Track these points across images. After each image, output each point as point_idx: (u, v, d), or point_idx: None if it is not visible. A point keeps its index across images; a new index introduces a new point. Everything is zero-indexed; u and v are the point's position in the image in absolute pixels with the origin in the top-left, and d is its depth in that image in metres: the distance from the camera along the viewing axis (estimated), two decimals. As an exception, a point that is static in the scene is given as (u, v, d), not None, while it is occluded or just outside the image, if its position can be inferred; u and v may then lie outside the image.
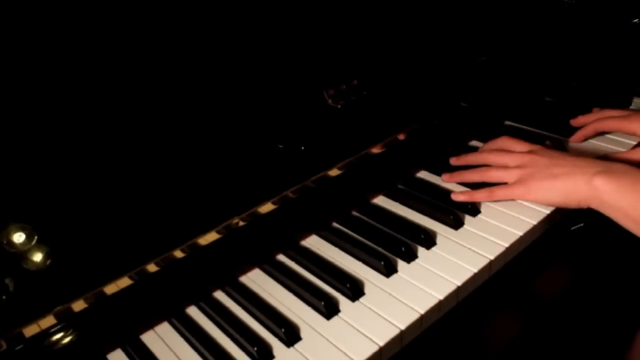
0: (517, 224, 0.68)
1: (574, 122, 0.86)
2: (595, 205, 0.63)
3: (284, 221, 0.68)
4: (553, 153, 0.70)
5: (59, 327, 0.55)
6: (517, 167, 0.70)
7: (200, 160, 0.62)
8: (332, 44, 0.75)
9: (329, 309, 0.59)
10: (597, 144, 0.84)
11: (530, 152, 0.71)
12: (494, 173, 0.72)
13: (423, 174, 0.82)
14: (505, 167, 0.72)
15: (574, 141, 0.84)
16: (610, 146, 0.82)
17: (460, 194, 0.72)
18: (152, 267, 0.58)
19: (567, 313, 0.62)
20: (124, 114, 0.60)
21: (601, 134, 0.84)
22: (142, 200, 0.58)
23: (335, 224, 0.74)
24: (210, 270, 0.65)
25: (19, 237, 0.52)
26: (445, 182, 0.77)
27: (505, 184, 0.71)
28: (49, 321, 0.53)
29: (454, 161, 0.80)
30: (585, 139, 0.84)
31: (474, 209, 0.71)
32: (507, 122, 0.94)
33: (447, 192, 0.76)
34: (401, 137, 0.77)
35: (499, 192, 0.70)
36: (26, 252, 0.52)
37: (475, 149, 0.87)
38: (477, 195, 0.71)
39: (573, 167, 0.65)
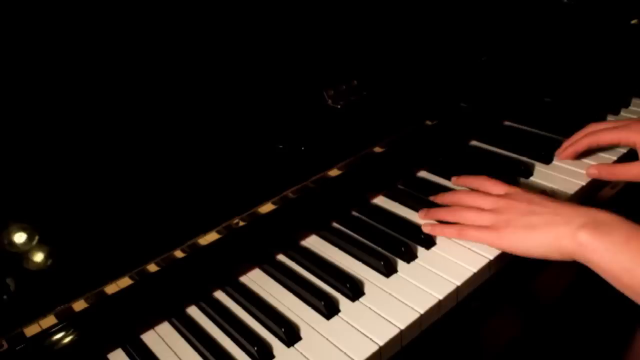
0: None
1: (566, 143, 0.80)
2: (580, 260, 0.57)
3: (284, 221, 0.68)
4: (532, 198, 0.63)
5: (59, 326, 0.55)
6: (492, 210, 0.64)
7: (201, 160, 0.62)
8: (332, 45, 0.75)
9: (329, 309, 0.59)
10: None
11: (507, 195, 0.66)
12: (468, 215, 0.66)
13: (423, 174, 0.82)
14: (480, 209, 0.66)
15: (563, 157, 0.79)
16: (599, 153, 0.80)
17: (429, 226, 0.68)
18: (152, 267, 0.58)
19: (566, 313, 0.62)
20: (124, 115, 0.60)
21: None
22: (142, 200, 0.58)
23: (335, 224, 0.74)
24: (210, 270, 0.65)
25: (20, 237, 0.52)
26: (421, 219, 0.71)
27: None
28: (49, 321, 0.53)
29: (432, 199, 0.74)
30: (577, 156, 0.78)
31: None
32: (507, 122, 0.95)
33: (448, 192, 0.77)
34: (401, 137, 0.77)
35: (470, 232, 0.65)
36: (27, 252, 0.52)
37: (475, 149, 0.88)
38: (446, 231, 0.66)
39: (553, 217, 0.59)
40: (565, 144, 0.80)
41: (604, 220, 0.56)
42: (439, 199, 0.73)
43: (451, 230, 0.66)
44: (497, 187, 0.68)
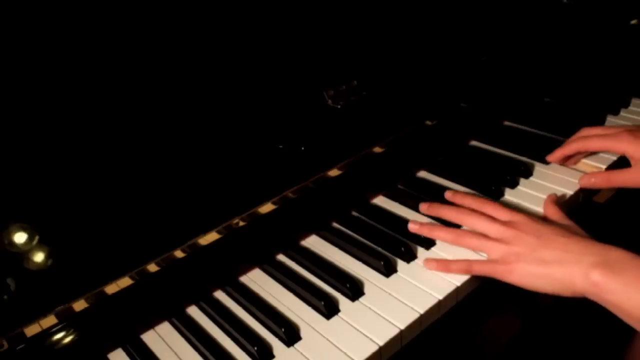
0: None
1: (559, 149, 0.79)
2: (592, 298, 0.56)
3: (284, 221, 0.68)
4: (540, 229, 0.61)
5: (60, 326, 0.55)
6: (498, 240, 0.62)
7: (201, 160, 0.62)
8: (332, 45, 0.75)
9: (329, 309, 0.59)
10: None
11: (511, 222, 0.63)
12: (472, 241, 0.63)
13: (423, 174, 0.82)
14: (484, 235, 0.64)
15: (552, 160, 0.79)
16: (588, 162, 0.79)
17: (433, 262, 0.63)
18: (152, 267, 0.58)
19: (566, 313, 0.62)
20: (125, 115, 0.60)
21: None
22: (142, 200, 0.58)
23: (335, 224, 0.74)
24: (210, 270, 0.65)
25: (20, 237, 0.52)
26: (412, 230, 0.68)
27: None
28: (50, 321, 0.53)
29: (424, 209, 0.71)
30: (565, 159, 0.79)
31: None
32: (507, 122, 0.95)
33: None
34: (401, 137, 0.77)
35: (478, 266, 0.62)
36: (27, 252, 0.52)
37: (475, 149, 0.88)
38: (453, 267, 0.62)
39: (565, 254, 0.57)
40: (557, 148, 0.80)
41: (615, 258, 0.55)
42: (435, 210, 0.70)
43: (459, 266, 0.62)
44: (499, 212, 0.65)
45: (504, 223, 0.63)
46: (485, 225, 0.64)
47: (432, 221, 0.70)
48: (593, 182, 0.74)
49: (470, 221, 0.66)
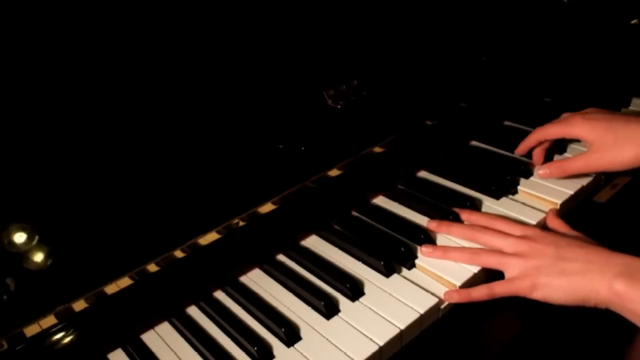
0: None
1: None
2: (615, 309, 0.55)
3: (284, 221, 0.68)
4: (556, 241, 0.60)
5: (59, 326, 0.55)
6: (515, 255, 0.60)
7: (201, 160, 0.62)
8: (332, 45, 0.75)
9: (329, 309, 0.59)
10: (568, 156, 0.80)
11: (526, 236, 0.62)
12: (490, 259, 0.62)
13: (423, 174, 0.82)
14: (499, 251, 0.62)
15: (518, 153, 0.81)
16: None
17: (455, 293, 0.60)
18: (152, 267, 0.58)
19: (567, 312, 0.62)
20: (124, 115, 0.60)
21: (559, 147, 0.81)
22: (142, 200, 0.58)
23: (335, 224, 0.74)
24: (210, 270, 0.65)
25: (20, 237, 0.52)
26: (424, 254, 0.65)
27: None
28: (49, 321, 0.53)
29: (433, 227, 0.69)
30: (529, 150, 0.79)
31: (473, 208, 0.72)
32: (507, 123, 0.95)
33: (447, 192, 0.77)
34: (401, 137, 0.77)
35: (499, 289, 0.60)
36: (27, 252, 0.52)
37: (475, 149, 0.88)
38: (474, 295, 0.60)
39: (587, 264, 0.56)
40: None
41: (636, 267, 0.55)
42: (444, 228, 0.68)
43: (480, 292, 0.60)
44: (511, 227, 0.65)
45: (518, 237, 0.62)
46: (499, 241, 0.63)
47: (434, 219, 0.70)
48: (549, 172, 0.74)
49: (483, 239, 0.64)
